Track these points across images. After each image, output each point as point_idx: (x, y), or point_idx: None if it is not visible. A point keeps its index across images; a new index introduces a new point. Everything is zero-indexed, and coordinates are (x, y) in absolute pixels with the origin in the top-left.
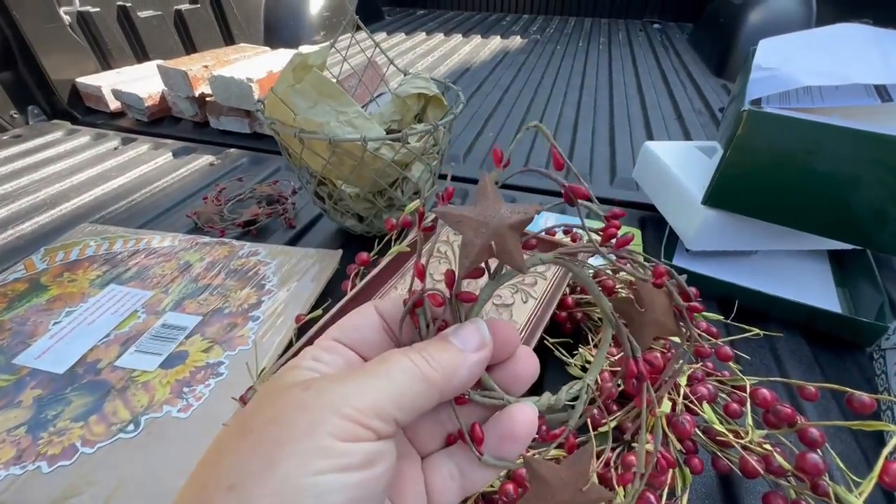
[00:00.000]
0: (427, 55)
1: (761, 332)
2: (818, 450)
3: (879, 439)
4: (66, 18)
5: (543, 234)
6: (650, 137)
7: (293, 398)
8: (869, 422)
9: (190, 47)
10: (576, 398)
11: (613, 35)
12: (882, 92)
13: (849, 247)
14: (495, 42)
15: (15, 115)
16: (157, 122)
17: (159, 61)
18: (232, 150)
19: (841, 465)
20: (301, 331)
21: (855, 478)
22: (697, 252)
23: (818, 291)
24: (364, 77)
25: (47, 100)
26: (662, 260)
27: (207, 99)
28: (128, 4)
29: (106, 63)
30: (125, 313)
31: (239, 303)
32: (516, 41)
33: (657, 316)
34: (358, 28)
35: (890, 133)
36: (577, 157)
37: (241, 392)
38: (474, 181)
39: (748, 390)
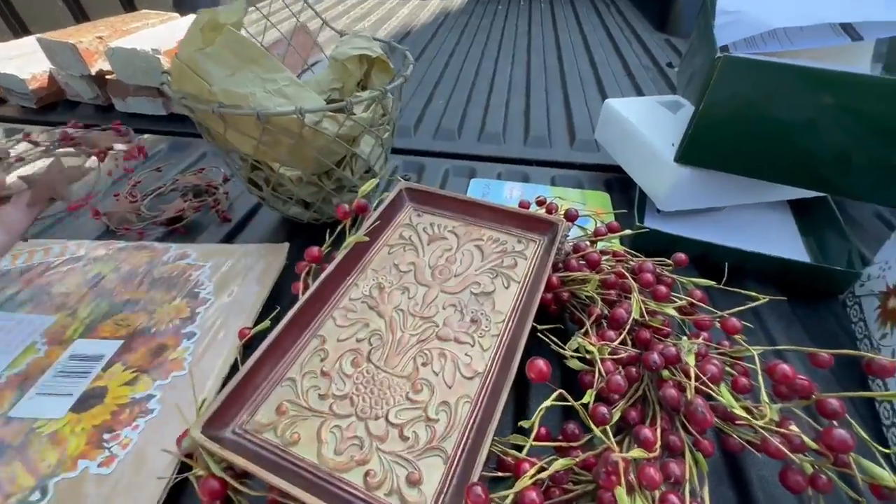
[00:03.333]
0: (362, 19)
1: (767, 298)
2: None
3: (872, 407)
4: None
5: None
6: (604, 96)
7: None
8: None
9: (82, 17)
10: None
11: None
12: (850, 31)
13: (810, 195)
14: (434, 2)
15: None
16: (49, 108)
17: (41, 35)
18: (146, 136)
19: (864, 435)
20: (247, 348)
21: (880, 447)
22: (667, 212)
23: (786, 243)
24: (294, 43)
25: None
26: (637, 224)
27: (108, 77)
28: None
29: None
30: (19, 347)
31: (169, 318)
32: (456, 1)
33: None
34: None
35: (853, 71)
36: (534, 122)
37: (178, 433)
38: (427, 153)
39: (757, 362)
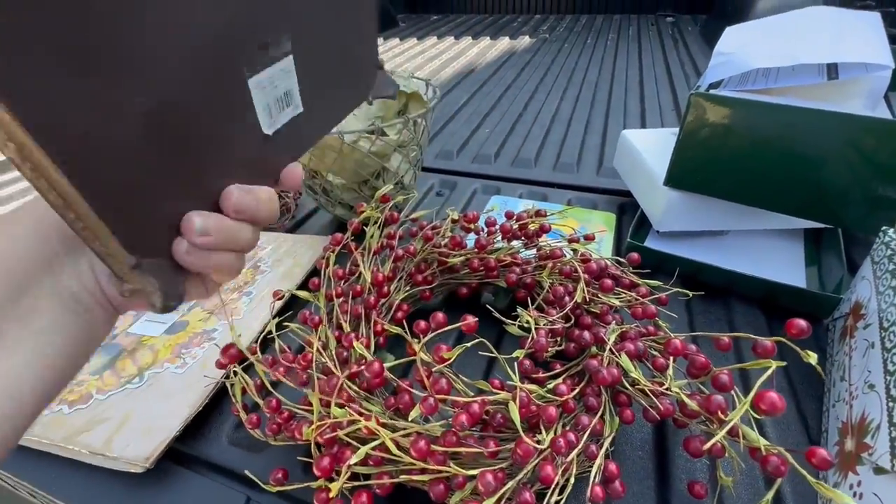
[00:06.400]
0: (434, 59)
1: (690, 294)
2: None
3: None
4: None
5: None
6: (643, 128)
7: None
8: (763, 360)
9: None
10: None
11: (623, 31)
12: (832, 70)
13: (820, 225)
14: (503, 43)
15: None
16: None
17: None
18: None
19: (743, 398)
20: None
21: (755, 414)
22: (669, 233)
23: (785, 268)
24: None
25: None
26: (628, 240)
27: None
28: None
29: None
30: None
31: (237, 280)
32: (524, 41)
33: None
34: None
35: (803, 105)
36: (567, 150)
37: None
38: (465, 174)
39: (674, 344)
